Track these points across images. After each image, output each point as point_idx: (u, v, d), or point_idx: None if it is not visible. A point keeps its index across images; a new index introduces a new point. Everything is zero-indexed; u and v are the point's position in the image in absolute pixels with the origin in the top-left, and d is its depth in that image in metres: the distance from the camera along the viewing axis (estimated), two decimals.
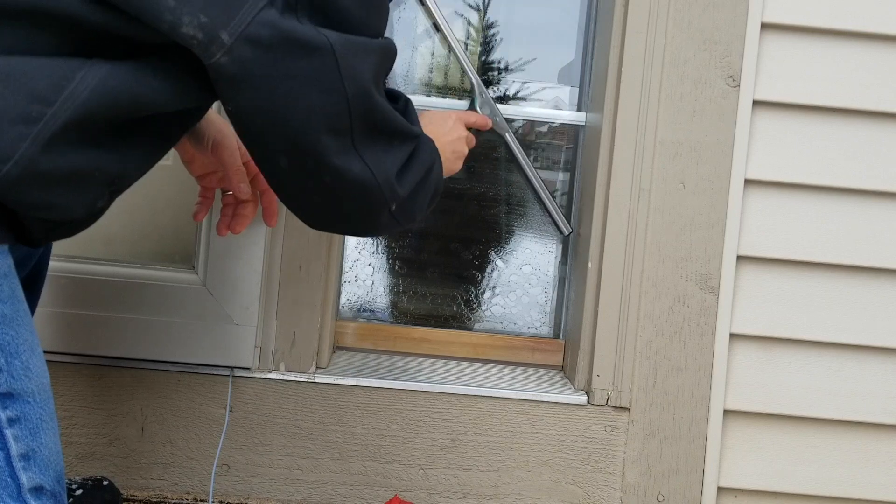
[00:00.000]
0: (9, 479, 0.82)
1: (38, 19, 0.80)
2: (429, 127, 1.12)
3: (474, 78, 1.73)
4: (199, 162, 1.25)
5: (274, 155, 0.92)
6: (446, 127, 1.26)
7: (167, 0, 0.79)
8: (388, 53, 0.96)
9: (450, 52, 1.78)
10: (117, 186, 0.92)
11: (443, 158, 1.12)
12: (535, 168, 1.75)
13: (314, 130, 0.88)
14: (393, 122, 0.97)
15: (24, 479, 0.82)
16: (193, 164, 1.26)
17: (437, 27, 1.78)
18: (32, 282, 1.18)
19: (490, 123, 1.53)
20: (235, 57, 0.81)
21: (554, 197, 1.80)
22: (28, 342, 0.85)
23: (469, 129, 1.36)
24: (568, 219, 1.80)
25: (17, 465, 0.82)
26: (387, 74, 1.00)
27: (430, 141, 1.07)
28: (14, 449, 0.82)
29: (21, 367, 0.83)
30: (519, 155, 1.75)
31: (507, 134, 1.73)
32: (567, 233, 1.76)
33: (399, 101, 1.06)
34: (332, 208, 0.98)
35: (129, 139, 0.88)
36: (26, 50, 0.80)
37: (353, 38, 0.87)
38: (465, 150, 1.29)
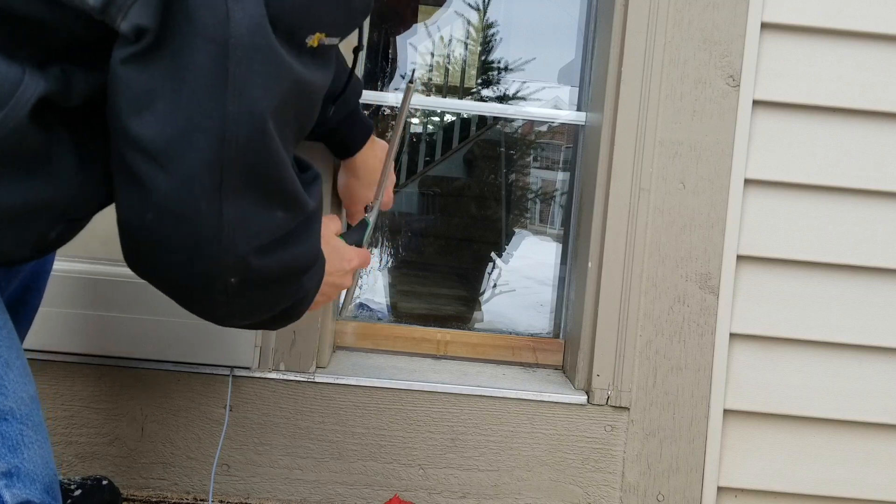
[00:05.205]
0: None
1: None
2: (329, 251, 0.92)
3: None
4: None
5: (117, 153, 0.72)
6: (343, 260, 1.02)
7: None
8: (309, 90, 0.71)
9: None
10: (73, 216, 0.80)
11: (321, 287, 0.90)
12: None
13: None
14: (283, 177, 0.72)
15: (7, 496, 0.80)
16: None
17: None
18: (23, 293, 1.16)
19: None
20: (131, 23, 0.65)
21: (553, 196, 1.80)
22: (2, 358, 0.81)
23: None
24: (567, 218, 1.80)
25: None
26: (306, 121, 0.76)
27: (318, 235, 0.84)
28: None
29: None
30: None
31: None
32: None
33: (308, 171, 0.84)
34: (155, 251, 0.76)
35: (62, 162, 0.77)
36: None
37: (270, 46, 0.66)
38: (347, 284, 1.05)
